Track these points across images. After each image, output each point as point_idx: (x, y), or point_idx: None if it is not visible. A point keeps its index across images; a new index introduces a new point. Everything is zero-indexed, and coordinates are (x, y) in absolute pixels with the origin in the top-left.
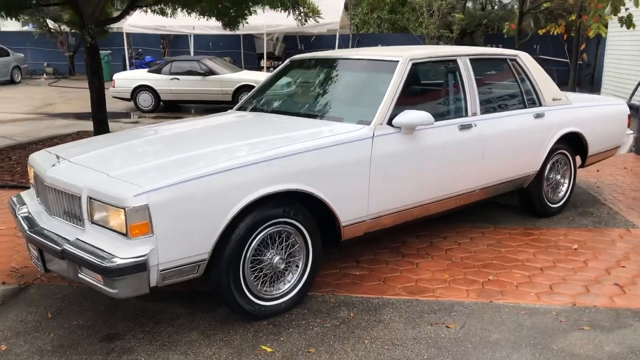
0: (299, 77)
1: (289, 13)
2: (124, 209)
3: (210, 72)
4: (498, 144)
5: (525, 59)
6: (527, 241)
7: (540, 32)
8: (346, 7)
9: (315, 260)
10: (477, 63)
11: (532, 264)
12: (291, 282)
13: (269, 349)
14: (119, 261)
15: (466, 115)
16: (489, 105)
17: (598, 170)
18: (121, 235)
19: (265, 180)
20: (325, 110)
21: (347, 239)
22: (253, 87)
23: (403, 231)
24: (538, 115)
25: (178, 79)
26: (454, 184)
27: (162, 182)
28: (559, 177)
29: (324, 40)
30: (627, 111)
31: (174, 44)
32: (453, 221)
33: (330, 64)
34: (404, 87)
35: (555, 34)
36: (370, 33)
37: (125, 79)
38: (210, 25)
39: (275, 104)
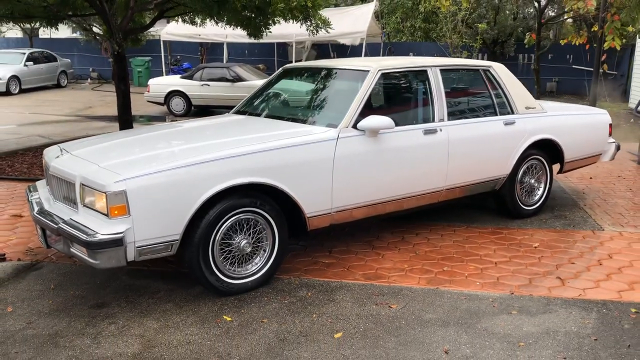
0: (288, 83)
1: (301, 24)
2: (105, 193)
3: (239, 79)
4: (464, 148)
5: (499, 70)
6: (494, 239)
7: (562, 42)
8: (378, 16)
9: (281, 246)
10: (449, 73)
11: (489, 258)
12: (258, 265)
13: (228, 319)
14: (99, 236)
15: (433, 121)
16: (458, 112)
17: (591, 178)
18: (104, 216)
19: (231, 173)
20: (303, 114)
21: (314, 228)
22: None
23: (379, 227)
24: (508, 123)
25: (208, 85)
26: (420, 183)
27: (139, 172)
28: (533, 181)
29: (356, 49)
30: (609, 120)
31: (212, 51)
32: (430, 220)
33: (315, 72)
34: (372, 95)
35: (577, 44)
36: (402, 42)
37: (160, 85)
38: (242, 34)
39: (264, 108)
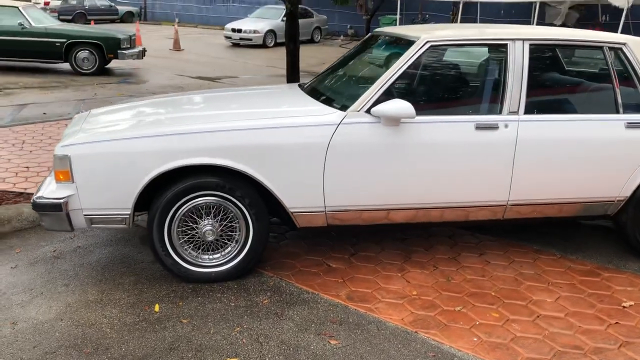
0: (362, 53)
1: None
2: (54, 156)
3: None
4: (543, 153)
5: (638, 49)
6: (577, 282)
7: None
8: None
9: (257, 239)
10: (546, 50)
11: (536, 307)
12: (228, 256)
13: (156, 309)
14: (40, 199)
15: (499, 113)
16: (547, 104)
17: None
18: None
19: (186, 151)
20: (332, 91)
21: (305, 227)
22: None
23: (446, 235)
24: (634, 125)
25: None
26: (464, 192)
27: (86, 139)
28: None
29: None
30: None
31: (465, 10)
32: (521, 239)
33: (383, 41)
34: (414, 74)
35: None
36: None
37: None
38: None
39: (320, 81)
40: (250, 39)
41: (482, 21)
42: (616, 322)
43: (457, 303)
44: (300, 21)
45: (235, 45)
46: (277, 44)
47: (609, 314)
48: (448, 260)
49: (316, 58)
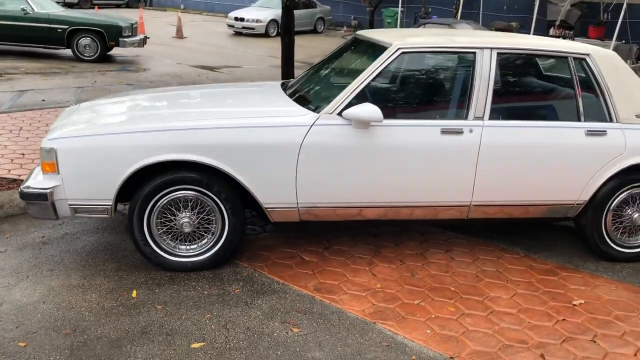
0: (343, 55)
1: None
2: (40, 149)
3: None
4: (505, 158)
5: (602, 61)
6: (535, 281)
7: None
8: None
9: (232, 232)
10: (512, 60)
11: (491, 303)
12: (203, 247)
13: (133, 295)
14: (26, 189)
15: (465, 118)
16: (511, 111)
17: None
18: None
19: (164, 147)
20: (310, 92)
21: (279, 222)
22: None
23: (418, 231)
24: (593, 132)
25: None
26: (430, 192)
27: (72, 133)
28: (638, 215)
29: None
30: None
31: (469, 5)
32: (491, 239)
33: (362, 45)
34: (386, 78)
35: None
36: None
37: None
38: None
39: (299, 81)
40: (253, 28)
41: (485, 16)
42: (564, 319)
43: (417, 297)
44: (304, 11)
45: (238, 34)
46: (279, 34)
47: (558, 311)
48: (415, 255)
49: (318, 49)
